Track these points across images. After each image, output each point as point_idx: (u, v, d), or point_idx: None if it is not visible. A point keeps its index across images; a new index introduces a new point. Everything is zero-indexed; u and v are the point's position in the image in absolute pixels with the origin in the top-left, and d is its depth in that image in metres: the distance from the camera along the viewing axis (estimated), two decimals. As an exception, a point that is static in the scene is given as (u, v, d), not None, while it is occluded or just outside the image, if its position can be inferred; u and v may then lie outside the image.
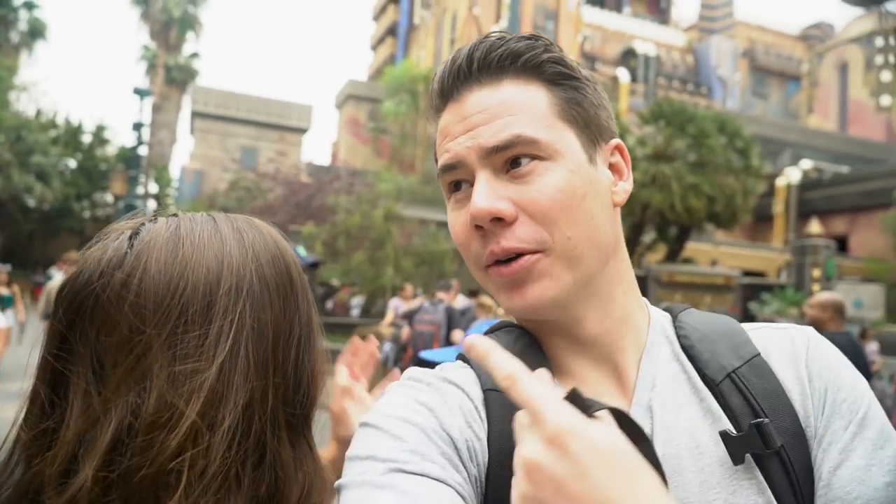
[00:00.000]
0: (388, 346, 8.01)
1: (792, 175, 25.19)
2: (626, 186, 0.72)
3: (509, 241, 0.63)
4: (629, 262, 0.74)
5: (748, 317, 15.94)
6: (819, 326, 4.43)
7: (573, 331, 0.69)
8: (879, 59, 34.28)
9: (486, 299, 6.71)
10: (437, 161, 0.73)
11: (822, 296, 4.64)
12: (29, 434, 0.62)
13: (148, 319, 0.61)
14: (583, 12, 28.74)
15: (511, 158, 0.64)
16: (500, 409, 0.63)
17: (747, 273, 20.44)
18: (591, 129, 0.69)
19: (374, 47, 43.09)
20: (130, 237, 0.66)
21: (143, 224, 0.68)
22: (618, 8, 33.83)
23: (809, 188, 25.43)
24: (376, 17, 42.51)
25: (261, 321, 0.65)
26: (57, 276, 20.53)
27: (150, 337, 0.60)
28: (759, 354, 0.68)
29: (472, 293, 7.90)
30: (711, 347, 0.69)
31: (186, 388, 0.60)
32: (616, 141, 0.72)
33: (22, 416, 0.64)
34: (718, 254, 22.37)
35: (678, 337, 0.71)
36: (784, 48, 39.55)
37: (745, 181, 16.64)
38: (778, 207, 25.28)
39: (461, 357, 0.72)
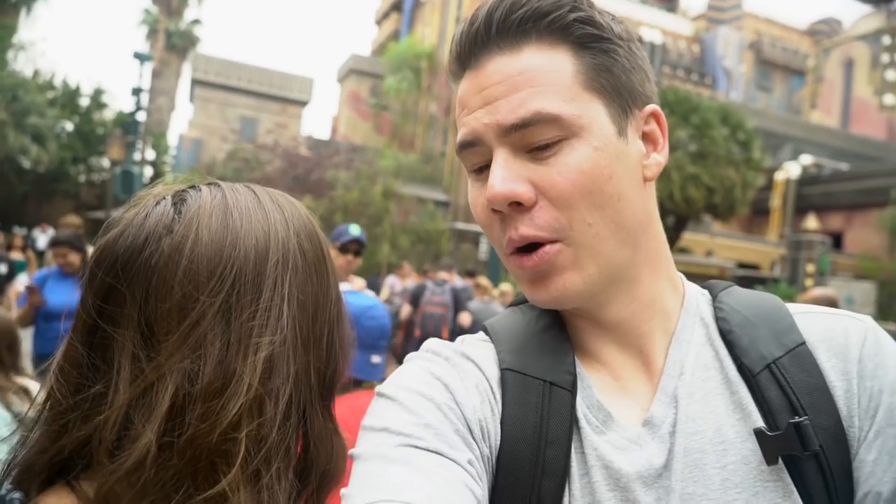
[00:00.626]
0: (382, 323, 8.02)
1: (791, 170, 25.19)
2: (659, 159, 0.66)
3: (528, 227, 0.60)
4: (662, 238, 0.69)
5: (740, 309, 16.03)
6: (812, 321, 4.45)
7: (596, 314, 0.65)
8: (885, 58, 34.13)
9: (482, 280, 6.73)
10: (455, 123, 0.69)
11: (816, 291, 4.67)
12: (71, 399, 0.61)
13: (202, 287, 0.60)
14: (591, -4, 28.40)
15: (532, 136, 0.59)
16: (515, 390, 0.61)
17: (742, 265, 20.55)
18: (623, 97, 0.63)
19: (379, 22, 42.60)
20: (175, 203, 0.65)
21: (185, 191, 0.67)
22: (626, -7, 33.48)
23: (808, 183, 25.44)
24: (382, -8, 41.97)
25: (304, 294, 0.65)
26: (41, 239, 20.37)
27: (204, 305, 0.60)
28: (803, 343, 0.63)
29: (469, 273, 7.92)
30: (752, 333, 0.63)
31: (241, 357, 0.60)
32: (652, 107, 0.66)
33: (54, 381, 0.62)
34: (714, 245, 22.44)
35: (716, 319, 0.66)
36: (790, 42, 39.30)
37: (745, 174, 16.62)
38: (776, 201, 25.31)
39: (484, 329, 0.71)
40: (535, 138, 0.59)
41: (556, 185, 0.59)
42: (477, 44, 0.62)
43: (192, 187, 0.68)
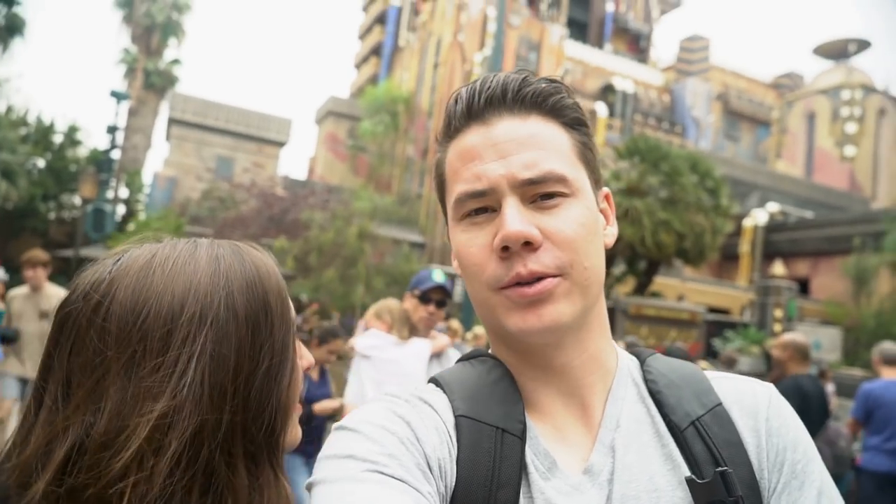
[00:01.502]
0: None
1: (759, 217, 25.84)
2: (613, 231, 0.77)
3: (535, 264, 0.65)
4: (605, 304, 0.77)
5: (711, 353, 16.19)
6: (783, 367, 4.50)
7: (548, 361, 0.71)
8: (845, 112, 35.63)
9: (453, 323, 6.72)
10: (439, 177, 0.76)
11: (787, 337, 4.71)
12: (15, 438, 0.64)
13: (110, 343, 0.63)
14: (565, 46, 29.35)
15: (540, 192, 0.67)
16: (469, 436, 0.66)
17: (712, 310, 20.81)
18: (595, 174, 0.74)
19: (358, 66, 43.29)
20: (114, 261, 0.69)
21: (128, 249, 0.71)
22: (599, 44, 34.62)
23: (775, 230, 26.11)
24: (362, 37, 42.77)
25: (222, 350, 0.65)
26: None
27: (109, 360, 0.62)
28: (720, 404, 0.71)
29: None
30: (678, 394, 0.71)
31: (136, 411, 0.60)
32: (606, 189, 0.78)
33: (19, 420, 0.66)
34: (685, 289, 22.75)
35: (646, 381, 0.74)
36: (756, 94, 40.81)
37: (715, 220, 17.01)
38: (744, 247, 25.87)
39: (433, 381, 0.74)
40: (543, 192, 0.68)
41: (562, 231, 0.67)
42: (492, 103, 0.70)
43: (137, 245, 0.71)
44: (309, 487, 0.59)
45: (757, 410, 0.70)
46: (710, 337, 17.45)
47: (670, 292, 21.76)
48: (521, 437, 0.66)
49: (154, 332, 0.63)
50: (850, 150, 34.87)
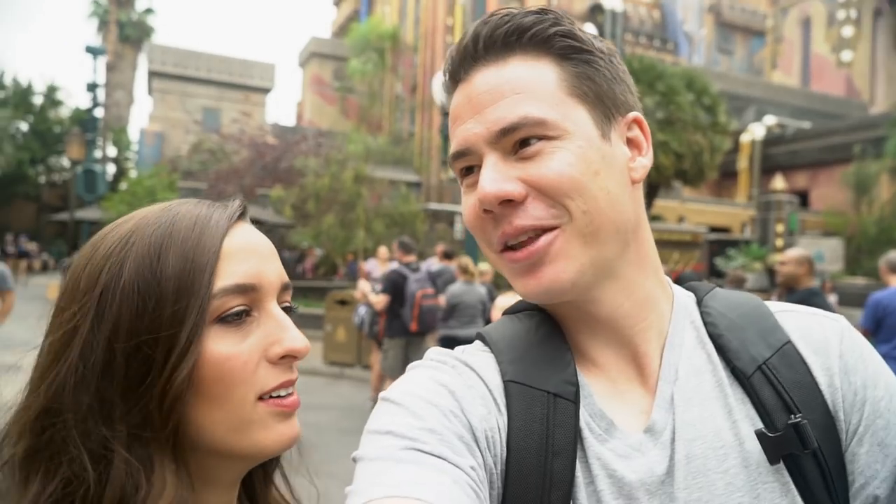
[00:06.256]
0: (362, 310, 7.93)
1: (756, 131, 25.54)
2: (644, 162, 0.68)
3: (522, 219, 0.61)
4: (651, 243, 0.71)
5: (714, 272, 16.32)
6: (793, 282, 4.53)
7: (591, 312, 0.66)
8: (842, 14, 34.64)
9: (468, 262, 6.63)
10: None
11: (794, 252, 4.74)
12: None
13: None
14: (550, -34, 28.18)
15: (519, 140, 0.62)
16: (520, 402, 0.61)
17: (713, 229, 20.86)
18: (605, 104, 0.66)
19: (337, 3, 41.83)
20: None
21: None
22: (585, -39, 33.26)
23: (772, 144, 25.85)
24: (338, -29, 41.10)
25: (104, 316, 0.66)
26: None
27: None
28: (789, 342, 0.65)
29: (447, 255, 7.85)
30: (741, 336, 0.66)
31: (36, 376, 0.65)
32: (634, 114, 0.68)
33: None
34: (685, 210, 22.74)
35: (705, 324, 0.68)
36: (749, 3, 39.58)
37: (713, 138, 16.77)
38: (742, 163, 25.69)
39: (480, 337, 0.70)
40: (520, 138, 0.62)
41: (545, 178, 0.61)
42: (466, 59, 0.66)
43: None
44: (354, 461, 0.57)
45: (828, 347, 0.65)
46: (713, 256, 17.53)
47: (670, 214, 21.75)
48: (575, 400, 0.62)
49: (61, 298, 0.65)
50: (846, 55, 34.07)
